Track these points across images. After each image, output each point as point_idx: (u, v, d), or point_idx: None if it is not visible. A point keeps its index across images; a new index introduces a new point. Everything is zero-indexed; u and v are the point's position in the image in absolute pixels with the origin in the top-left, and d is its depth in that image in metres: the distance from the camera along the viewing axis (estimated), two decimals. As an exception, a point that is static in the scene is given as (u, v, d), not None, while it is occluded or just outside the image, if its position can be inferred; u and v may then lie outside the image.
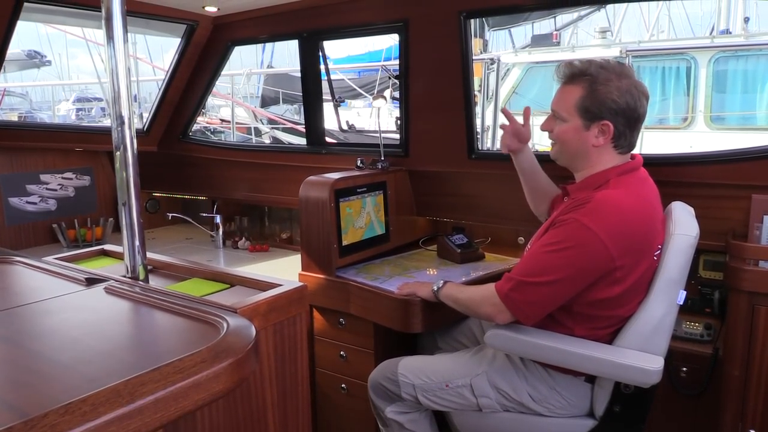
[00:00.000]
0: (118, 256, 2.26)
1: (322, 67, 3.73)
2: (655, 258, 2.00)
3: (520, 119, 2.50)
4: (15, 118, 18.41)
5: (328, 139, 4.10)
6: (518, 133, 2.50)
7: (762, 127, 8.99)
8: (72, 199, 4.02)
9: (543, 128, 2.20)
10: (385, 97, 3.35)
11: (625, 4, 13.31)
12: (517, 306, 1.99)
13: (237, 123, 14.46)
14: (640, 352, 1.96)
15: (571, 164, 2.18)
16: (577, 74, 2.07)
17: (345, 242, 2.86)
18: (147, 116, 4.35)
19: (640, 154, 2.20)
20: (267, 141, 13.91)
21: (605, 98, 1.99)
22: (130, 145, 1.79)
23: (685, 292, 2.04)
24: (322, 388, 2.96)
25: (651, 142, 9.05)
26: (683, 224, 2.04)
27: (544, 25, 12.82)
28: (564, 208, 2.04)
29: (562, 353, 2.01)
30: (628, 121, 2.01)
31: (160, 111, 4.19)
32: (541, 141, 6.23)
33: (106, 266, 2.23)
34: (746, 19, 11.06)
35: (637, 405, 2.07)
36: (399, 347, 2.78)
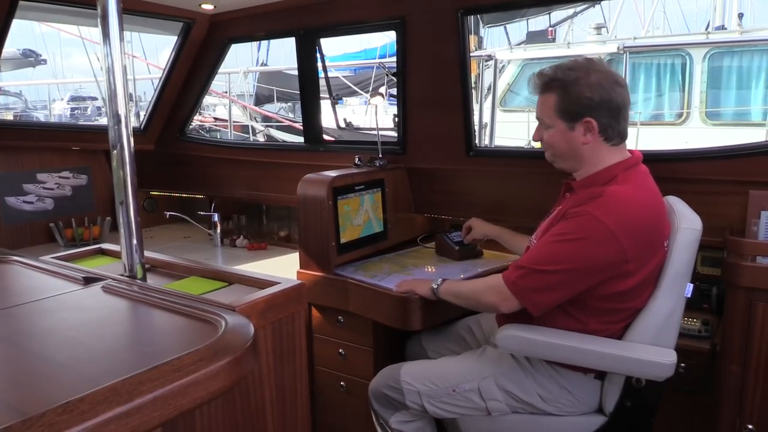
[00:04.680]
0: (116, 255, 2.26)
1: (319, 64, 3.72)
2: (665, 251, 2.01)
3: None
4: (10, 117, 18.35)
5: (326, 137, 4.09)
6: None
7: (757, 122, 9.01)
8: (69, 198, 4.01)
9: (534, 138, 2.26)
10: (382, 95, 3.35)
11: (621, 0, 13.33)
12: (524, 293, 1.99)
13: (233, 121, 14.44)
14: (653, 346, 1.97)
15: (568, 165, 2.19)
16: (547, 82, 2.11)
17: (343, 240, 2.86)
18: (144, 115, 4.34)
19: (638, 150, 2.21)
20: (261, 139, 13.89)
21: (579, 97, 2.03)
22: (127, 143, 1.78)
23: (692, 285, 2.05)
24: (320, 387, 2.96)
25: (646, 138, 9.07)
26: (688, 218, 2.05)
27: (539, 21, 12.83)
28: (575, 202, 2.03)
29: (576, 352, 2.00)
30: (608, 112, 2.03)
31: (157, 109, 4.19)
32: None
33: (104, 265, 2.22)
34: (740, 15, 11.10)
35: (648, 399, 2.07)
36: (398, 345, 2.78)
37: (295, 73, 3.81)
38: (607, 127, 2.04)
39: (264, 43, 16.02)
